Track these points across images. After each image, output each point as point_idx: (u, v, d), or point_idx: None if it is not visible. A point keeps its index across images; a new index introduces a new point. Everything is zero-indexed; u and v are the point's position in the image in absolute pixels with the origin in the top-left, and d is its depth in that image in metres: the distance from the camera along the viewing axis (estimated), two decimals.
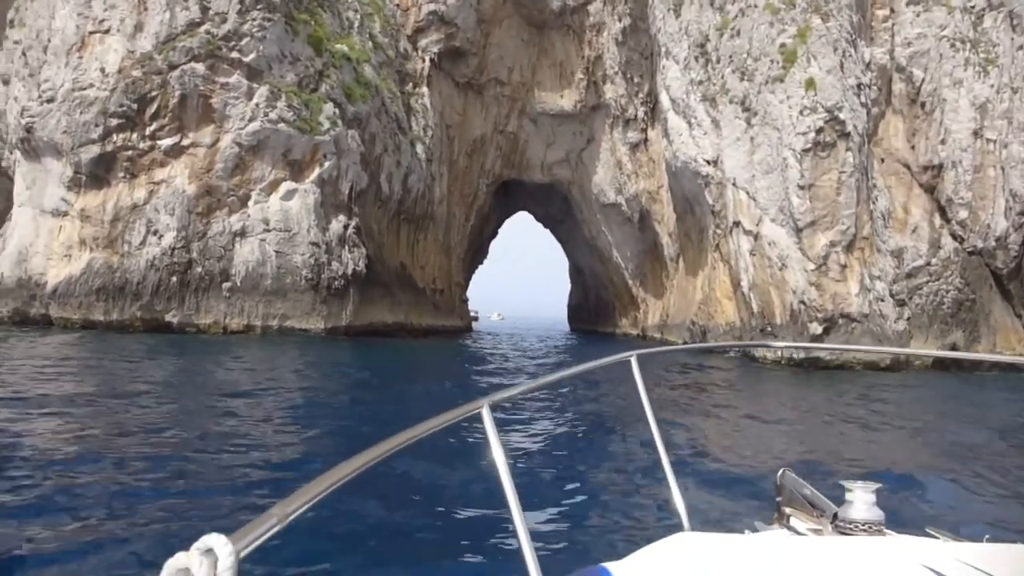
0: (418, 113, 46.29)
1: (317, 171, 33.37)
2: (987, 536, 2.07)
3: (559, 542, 5.95)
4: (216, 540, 0.87)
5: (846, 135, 26.84)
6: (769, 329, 27.57)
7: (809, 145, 26.58)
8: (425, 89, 47.27)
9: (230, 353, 22.97)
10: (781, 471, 2.25)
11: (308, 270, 31.32)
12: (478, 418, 1.66)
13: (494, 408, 1.68)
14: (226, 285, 29.73)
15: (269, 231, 31.14)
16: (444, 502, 7.04)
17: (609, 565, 1.61)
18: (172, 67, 30.64)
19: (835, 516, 1.99)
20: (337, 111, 34.90)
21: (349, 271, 33.48)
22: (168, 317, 29.04)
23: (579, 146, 53.48)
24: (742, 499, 7.05)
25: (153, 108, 30.50)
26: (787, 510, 2.18)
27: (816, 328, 26.26)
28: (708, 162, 31.19)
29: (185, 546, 0.86)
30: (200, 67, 30.81)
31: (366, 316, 35.62)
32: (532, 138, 54.39)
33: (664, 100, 35.20)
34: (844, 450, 10.80)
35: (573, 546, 5.80)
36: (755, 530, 2.15)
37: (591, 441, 11.11)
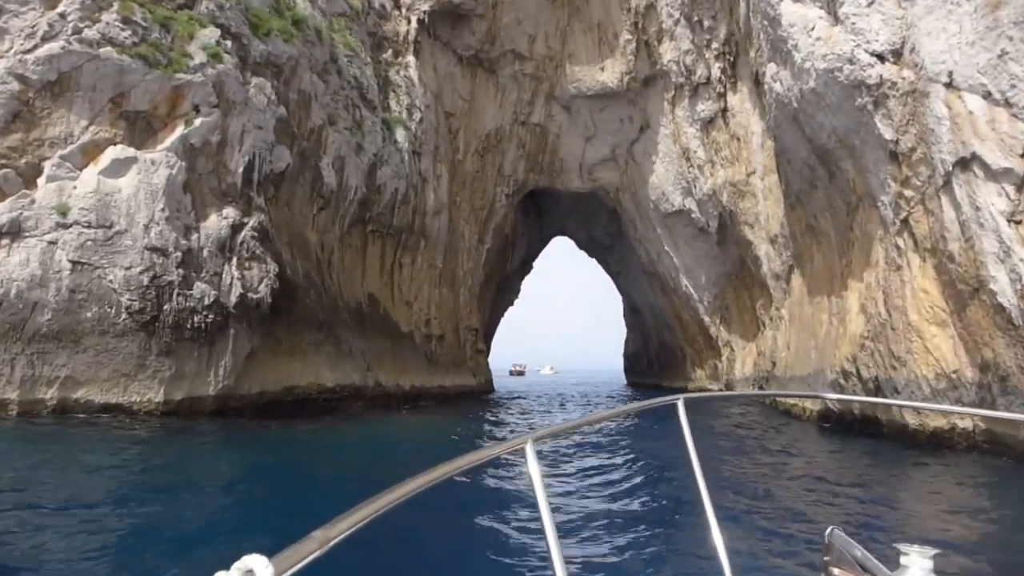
0: (399, 89, 32.06)
1: (180, 131, 19.03)
2: None
3: None
4: (256, 561, 0.85)
5: None
6: None
7: None
8: (411, 59, 33.15)
9: None
10: (830, 529, 1.99)
11: (135, 295, 16.62)
12: (521, 454, 1.62)
13: (537, 444, 1.64)
14: None
15: (67, 227, 16.69)
16: (483, 537, 7.09)
17: None
18: None
19: None
20: (227, 42, 20.75)
21: (232, 299, 18.66)
22: None
23: (629, 137, 38.30)
24: (789, 556, 6.62)
25: None
26: (835, 571, 1.92)
27: None
28: (879, 57, 15.49)
29: (225, 566, 0.85)
30: None
31: (275, 377, 20.54)
32: (565, 130, 39.55)
33: None
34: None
35: None
36: None
37: (635, 485, 10.57)
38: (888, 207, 16.11)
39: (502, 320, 51.54)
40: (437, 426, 22.03)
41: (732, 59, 30.55)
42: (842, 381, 18.95)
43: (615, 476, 11.54)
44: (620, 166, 39.53)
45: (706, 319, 38.80)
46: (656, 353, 52.11)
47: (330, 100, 25.98)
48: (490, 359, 50.20)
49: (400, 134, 30.83)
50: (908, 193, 15.38)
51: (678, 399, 2.38)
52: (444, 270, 34.75)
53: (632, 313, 55.90)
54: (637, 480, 11.28)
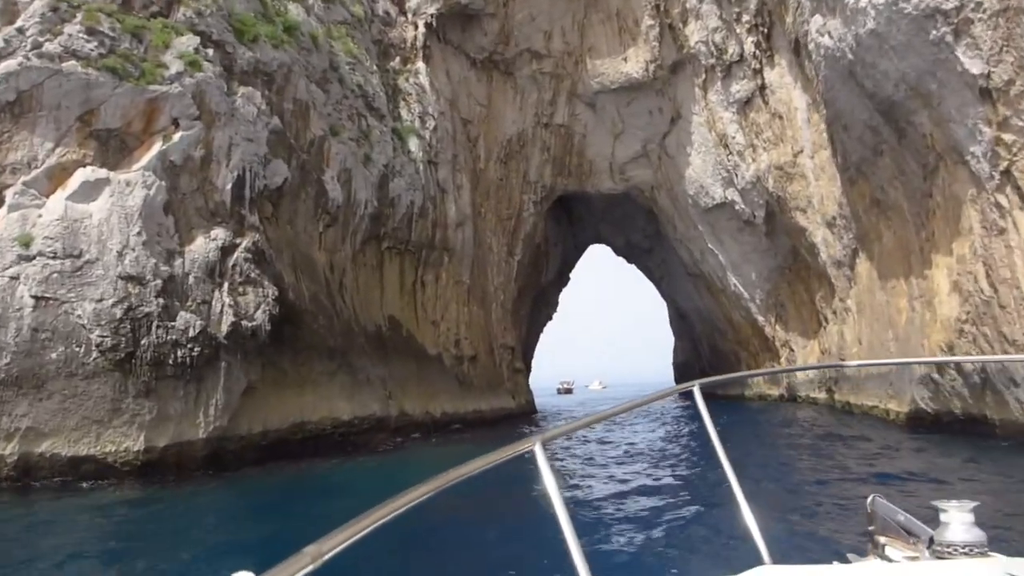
0: (410, 97, 30.08)
1: (157, 148, 17.17)
2: None
3: None
4: None
5: None
6: None
7: None
8: (421, 65, 31.19)
9: None
10: (871, 498, 2.00)
11: (106, 330, 14.63)
12: (530, 456, 1.57)
13: (546, 446, 1.61)
14: None
15: (30, 259, 14.86)
16: (497, 543, 6.86)
17: None
18: None
19: (931, 540, 1.74)
20: (208, 50, 18.92)
21: (224, 328, 16.57)
22: None
23: (660, 130, 35.61)
24: (830, 529, 6.31)
25: None
26: (881, 539, 1.91)
27: None
28: None
29: None
30: None
31: (281, 413, 18.32)
32: (592, 129, 37.07)
33: None
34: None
35: None
36: (846, 561, 1.91)
37: (654, 474, 10.10)
38: (981, 159, 13.15)
39: (541, 336, 48.93)
40: (468, 455, 19.51)
41: (766, 31, 27.75)
42: (936, 376, 15.84)
43: (632, 466, 10.99)
44: (653, 162, 36.81)
45: (759, 319, 35.58)
46: (708, 360, 48.75)
47: (332, 110, 24.04)
48: (534, 378, 47.62)
49: (413, 144, 28.77)
50: (1008, 138, 12.42)
51: (694, 385, 2.35)
52: (472, 286, 32.41)
53: (679, 319, 52.71)
54: (658, 469, 10.67)
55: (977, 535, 1.71)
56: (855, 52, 15.98)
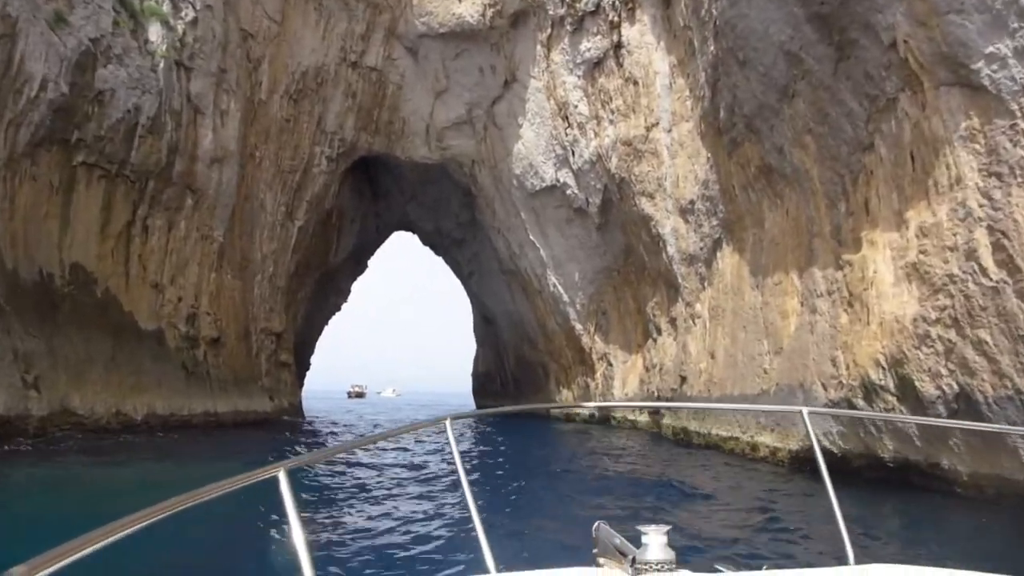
0: None
1: None
2: (765, 565, 2.31)
3: None
4: None
5: None
6: None
7: None
8: None
9: None
10: (597, 524, 2.21)
11: None
12: (274, 483, 1.44)
13: (292, 474, 1.49)
14: None
15: None
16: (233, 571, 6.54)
17: None
18: None
19: (634, 560, 1.96)
20: None
21: None
22: None
23: (491, 93, 29.56)
24: (563, 552, 5.81)
25: None
26: (601, 560, 2.14)
27: None
28: None
29: None
30: None
31: None
32: (410, 81, 30.12)
33: None
34: None
35: None
36: None
37: (402, 502, 9.94)
38: (1012, 62, 8.10)
39: (326, 329, 40.66)
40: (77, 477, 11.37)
41: None
42: (860, 401, 10.77)
43: (383, 494, 10.67)
44: (478, 131, 30.65)
45: (577, 326, 30.59)
46: (512, 372, 43.44)
47: None
48: (319, 378, 39.32)
49: (155, 32, 19.96)
50: None
51: (446, 418, 2.42)
52: (228, 247, 23.83)
53: (484, 324, 46.98)
54: (408, 497, 10.46)
55: (668, 554, 1.91)
56: None
